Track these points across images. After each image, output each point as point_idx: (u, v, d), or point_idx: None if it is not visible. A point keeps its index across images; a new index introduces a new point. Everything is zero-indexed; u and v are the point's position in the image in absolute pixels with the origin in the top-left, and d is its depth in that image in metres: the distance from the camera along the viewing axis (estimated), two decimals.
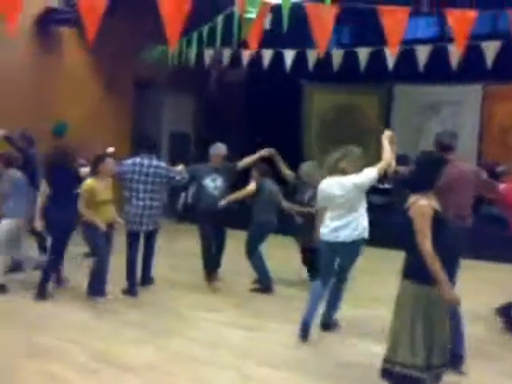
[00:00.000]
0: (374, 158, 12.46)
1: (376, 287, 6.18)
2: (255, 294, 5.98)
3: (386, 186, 9.76)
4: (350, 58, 8.56)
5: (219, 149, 6.25)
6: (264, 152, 6.18)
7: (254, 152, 6.33)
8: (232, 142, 11.11)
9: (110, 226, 5.51)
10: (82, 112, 9.56)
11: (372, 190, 9.49)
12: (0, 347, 4.24)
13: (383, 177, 10.59)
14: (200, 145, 11.07)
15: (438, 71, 8.81)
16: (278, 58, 8.60)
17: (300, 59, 8.60)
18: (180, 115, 12.14)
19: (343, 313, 4.99)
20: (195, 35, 7.34)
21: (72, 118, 9.21)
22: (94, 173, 5.41)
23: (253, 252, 6.00)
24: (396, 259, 3.68)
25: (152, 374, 3.91)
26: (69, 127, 9.12)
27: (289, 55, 8.50)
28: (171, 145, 12.07)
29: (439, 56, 8.16)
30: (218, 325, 4.97)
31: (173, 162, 7.33)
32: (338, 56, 8.39)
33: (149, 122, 11.59)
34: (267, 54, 8.48)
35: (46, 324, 4.80)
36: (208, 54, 8.78)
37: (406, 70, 8.80)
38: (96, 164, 5.41)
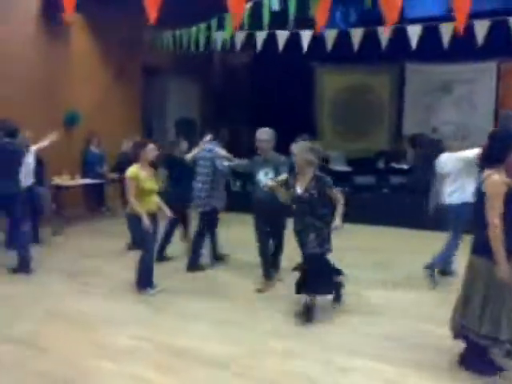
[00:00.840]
0: (384, 138, 12.34)
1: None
2: None
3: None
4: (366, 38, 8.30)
5: (266, 133, 5.38)
6: None
7: None
8: (239, 128, 11.14)
9: (155, 216, 5.26)
10: (91, 99, 9.43)
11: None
12: (73, 349, 4.01)
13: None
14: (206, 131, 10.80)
15: (450, 49, 8.58)
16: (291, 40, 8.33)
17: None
18: (186, 101, 11.89)
19: (396, 295, 5.13)
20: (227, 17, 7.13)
21: (82, 106, 9.15)
22: (135, 160, 5.16)
23: None
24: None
25: (237, 367, 3.69)
26: (81, 117, 9.07)
27: (305, 36, 8.21)
28: (177, 131, 11.60)
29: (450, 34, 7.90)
30: (286, 315, 4.67)
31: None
32: (356, 35, 8.12)
33: (156, 108, 11.42)
34: (282, 36, 8.22)
35: (109, 322, 4.52)
36: (240, 36, 8.46)
37: (418, 48, 8.59)
38: (137, 151, 5.19)
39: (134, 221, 5.08)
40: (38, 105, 8.31)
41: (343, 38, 8.18)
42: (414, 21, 8.01)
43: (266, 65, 10.93)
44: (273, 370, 3.66)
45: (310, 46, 7.93)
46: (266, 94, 11.84)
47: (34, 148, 6.79)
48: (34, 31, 8.31)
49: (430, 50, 8.37)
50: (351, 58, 9.15)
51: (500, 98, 10.59)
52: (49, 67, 8.63)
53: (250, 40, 8.45)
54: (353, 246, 6.92)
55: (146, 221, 4.99)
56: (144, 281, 5.23)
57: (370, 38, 8.01)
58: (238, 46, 8.44)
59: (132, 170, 5.06)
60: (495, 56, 10.05)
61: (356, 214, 7.25)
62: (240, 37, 8.33)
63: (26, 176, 6.45)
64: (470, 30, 7.54)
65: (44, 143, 6.90)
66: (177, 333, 4.30)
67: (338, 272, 4.80)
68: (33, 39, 8.30)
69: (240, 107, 12.26)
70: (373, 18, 8.10)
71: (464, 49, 8.09)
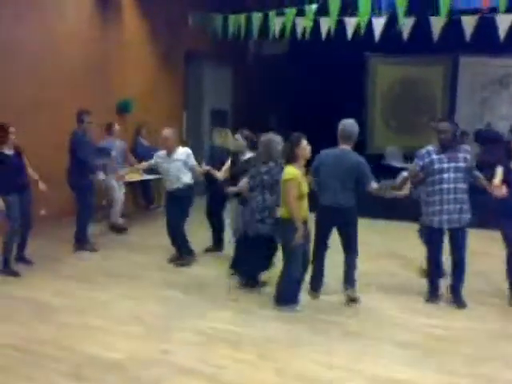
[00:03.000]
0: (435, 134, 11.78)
1: None
2: None
3: None
4: (418, 27, 8.08)
5: (353, 126, 4.77)
6: None
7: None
8: (271, 121, 10.82)
9: (306, 223, 4.65)
10: (141, 86, 9.14)
11: None
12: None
13: None
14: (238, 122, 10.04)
15: (506, 42, 8.21)
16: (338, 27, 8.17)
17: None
18: (220, 90, 11.37)
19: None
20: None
21: (133, 92, 8.86)
22: (291, 159, 4.53)
23: None
24: None
25: None
26: (134, 104, 8.73)
27: (350, 23, 8.06)
28: (212, 121, 11.05)
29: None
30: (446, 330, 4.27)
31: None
32: (408, 24, 7.84)
33: (194, 95, 10.90)
34: (325, 23, 8.10)
35: (270, 345, 3.94)
36: (350, 22, 7.94)
37: (472, 40, 8.26)
38: (291, 147, 4.55)
39: (288, 228, 4.46)
40: (93, 88, 8.07)
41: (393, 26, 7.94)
42: (466, 12, 7.73)
43: (307, 53, 10.62)
44: None
45: (358, 35, 7.73)
46: (305, 85, 11.39)
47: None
48: (88, 12, 8.08)
49: (485, 42, 8.06)
50: (402, 48, 8.95)
51: None
52: (103, 49, 8.35)
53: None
54: None
55: (301, 230, 4.44)
56: (287, 295, 4.61)
57: (423, 28, 7.78)
58: (323, 34, 8.10)
59: (291, 172, 4.46)
60: None
61: None
62: (325, 24, 8.01)
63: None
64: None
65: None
66: (357, 356, 3.76)
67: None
68: (88, 20, 8.07)
69: (275, 98, 11.89)
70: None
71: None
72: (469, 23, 7.45)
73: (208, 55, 10.49)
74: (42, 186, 5.71)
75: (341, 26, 8.00)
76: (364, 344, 3.96)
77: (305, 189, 4.53)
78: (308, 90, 11.22)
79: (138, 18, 9.11)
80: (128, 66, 8.86)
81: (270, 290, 4.92)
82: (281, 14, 8.11)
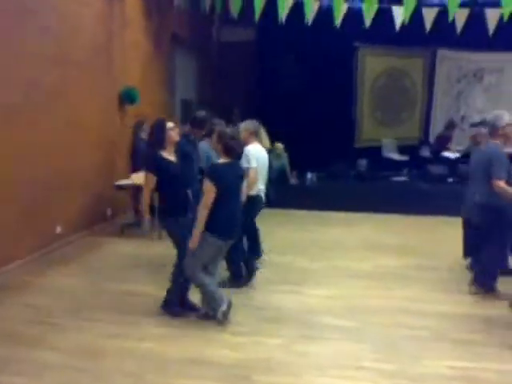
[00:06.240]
0: (417, 124, 12.39)
1: None
2: None
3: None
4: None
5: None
6: None
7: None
8: (235, 114, 9.57)
9: None
10: (138, 74, 8.25)
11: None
12: None
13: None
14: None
15: (479, 37, 8.70)
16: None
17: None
18: (187, 78, 10.64)
19: None
20: None
21: (135, 81, 7.98)
22: None
23: None
24: None
25: None
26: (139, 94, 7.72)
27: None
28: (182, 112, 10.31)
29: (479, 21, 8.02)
30: None
31: None
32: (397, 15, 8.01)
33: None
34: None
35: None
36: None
37: (448, 34, 8.59)
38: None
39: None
40: (99, 72, 7.15)
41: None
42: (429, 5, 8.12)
43: (286, 42, 10.33)
44: None
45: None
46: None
47: None
48: None
49: (461, 36, 8.46)
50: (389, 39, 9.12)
51: None
52: (107, 31, 7.30)
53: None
54: None
55: None
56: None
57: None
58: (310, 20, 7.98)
59: None
60: None
61: None
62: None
63: None
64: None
65: None
66: None
67: None
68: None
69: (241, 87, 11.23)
70: None
71: (495, 37, 8.27)
72: (460, 17, 7.82)
73: (180, 41, 9.77)
74: None
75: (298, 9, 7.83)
76: None
77: None
78: (279, 81, 10.85)
79: None
80: (129, 51, 7.85)
81: None
82: None
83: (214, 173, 4.02)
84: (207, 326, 4.15)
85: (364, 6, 7.94)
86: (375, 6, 7.78)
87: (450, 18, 7.78)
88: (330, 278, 5.45)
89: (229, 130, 4.25)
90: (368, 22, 7.98)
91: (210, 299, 4.18)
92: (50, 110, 5.98)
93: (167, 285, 4.39)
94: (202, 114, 5.50)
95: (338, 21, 7.86)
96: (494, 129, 4.76)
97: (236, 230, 4.23)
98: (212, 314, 4.19)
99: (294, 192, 9.14)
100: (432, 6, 8.46)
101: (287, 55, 10.83)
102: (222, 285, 4.79)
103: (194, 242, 4.00)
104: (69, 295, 4.80)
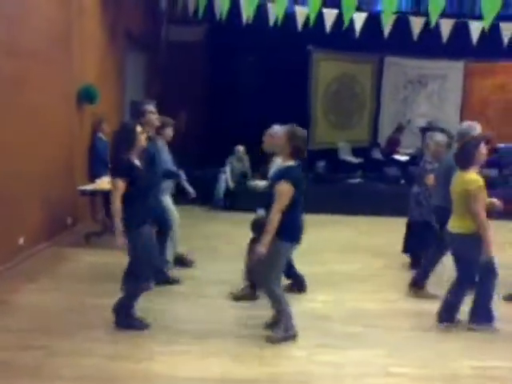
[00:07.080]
0: (366, 128, 12.73)
1: None
2: None
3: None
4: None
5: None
6: None
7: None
8: (181, 118, 9.00)
9: None
10: (96, 70, 7.67)
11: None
12: None
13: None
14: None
15: (427, 45, 9.07)
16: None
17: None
18: (136, 79, 10.10)
19: None
20: None
21: (93, 78, 7.45)
22: (471, 163, 4.02)
23: None
24: None
25: None
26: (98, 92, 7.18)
27: (301, 13, 8.11)
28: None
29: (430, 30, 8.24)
30: None
31: None
32: (359, 20, 8.15)
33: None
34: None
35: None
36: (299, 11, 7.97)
37: (398, 41, 8.90)
38: (472, 150, 4.03)
39: (469, 244, 3.97)
40: (57, 66, 6.49)
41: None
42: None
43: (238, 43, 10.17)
44: None
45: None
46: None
47: None
48: None
49: (405, 43, 8.85)
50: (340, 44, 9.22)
51: (466, 94, 11.53)
52: (64, 17, 6.59)
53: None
54: None
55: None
56: (482, 314, 4.22)
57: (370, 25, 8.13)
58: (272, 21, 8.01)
59: (477, 179, 3.92)
60: (462, 56, 10.84)
61: None
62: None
63: None
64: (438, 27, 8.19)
65: None
66: None
67: None
68: None
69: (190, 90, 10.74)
70: None
71: (435, 45, 8.72)
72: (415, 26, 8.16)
73: (132, 37, 9.26)
74: None
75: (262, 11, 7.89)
76: None
77: None
78: (230, 83, 10.59)
79: None
80: (87, 42, 7.26)
81: None
82: None
83: (295, 176, 3.80)
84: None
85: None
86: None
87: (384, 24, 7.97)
88: (319, 282, 5.32)
89: (298, 129, 3.98)
90: (328, 26, 8.09)
91: (287, 317, 3.91)
92: (1, 108, 5.15)
93: (149, 295, 4.15)
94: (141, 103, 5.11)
95: (279, 22, 7.82)
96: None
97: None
98: (288, 335, 3.90)
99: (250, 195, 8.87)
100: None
101: (240, 57, 10.70)
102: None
103: (263, 247, 3.70)
104: (48, 314, 4.33)
